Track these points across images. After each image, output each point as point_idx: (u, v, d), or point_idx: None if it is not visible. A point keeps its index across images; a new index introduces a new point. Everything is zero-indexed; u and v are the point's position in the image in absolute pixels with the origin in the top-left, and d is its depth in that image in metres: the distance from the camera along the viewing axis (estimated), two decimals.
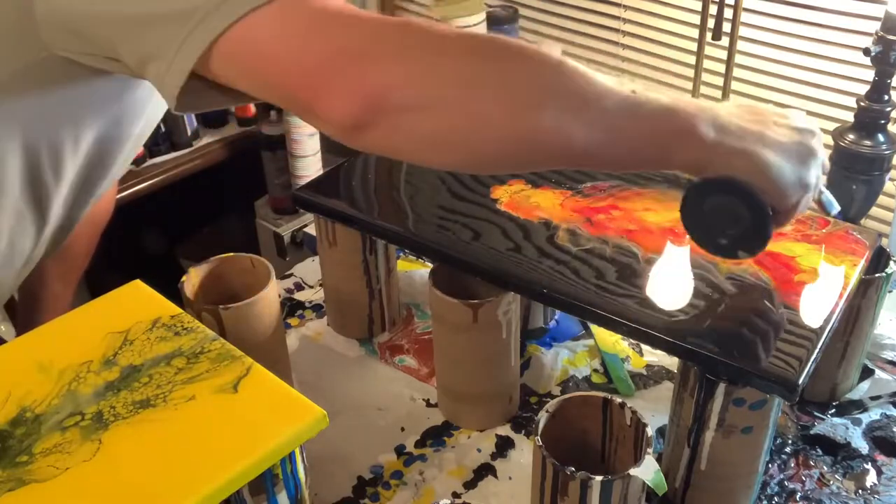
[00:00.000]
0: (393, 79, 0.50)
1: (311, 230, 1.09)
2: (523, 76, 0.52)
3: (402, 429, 0.80)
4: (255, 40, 0.52)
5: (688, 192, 0.61)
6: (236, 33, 0.51)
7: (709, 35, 1.16)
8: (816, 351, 0.61)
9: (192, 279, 0.75)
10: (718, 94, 1.20)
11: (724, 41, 1.15)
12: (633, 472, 0.57)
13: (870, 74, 0.97)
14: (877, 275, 0.74)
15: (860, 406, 0.81)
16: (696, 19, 1.20)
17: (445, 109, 0.51)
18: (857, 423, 0.79)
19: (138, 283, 0.70)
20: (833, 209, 0.68)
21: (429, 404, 0.83)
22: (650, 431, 0.60)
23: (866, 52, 0.95)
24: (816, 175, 0.61)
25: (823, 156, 0.62)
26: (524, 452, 0.77)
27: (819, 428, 0.78)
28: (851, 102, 1.06)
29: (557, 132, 0.53)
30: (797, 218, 0.63)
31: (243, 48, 0.52)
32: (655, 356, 0.87)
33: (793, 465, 0.75)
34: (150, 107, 0.73)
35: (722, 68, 1.18)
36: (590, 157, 0.55)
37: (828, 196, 0.68)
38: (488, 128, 0.52)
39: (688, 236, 0.64)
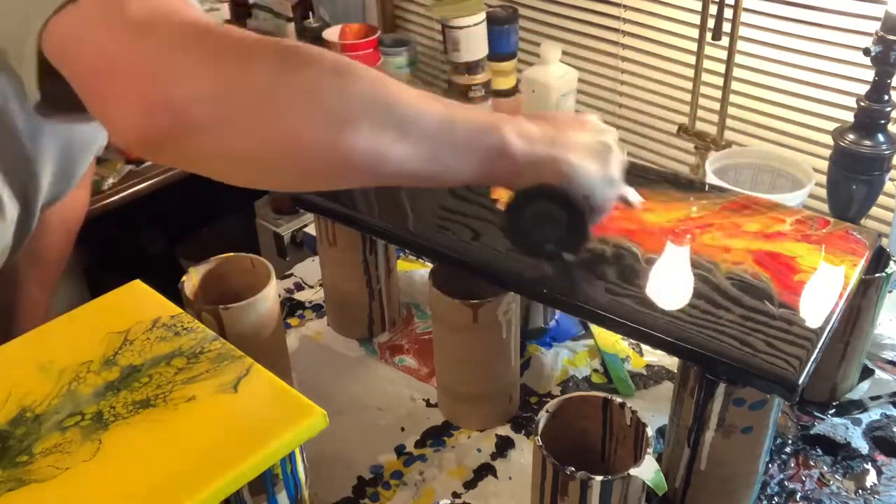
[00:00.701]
0: (188, 91, 0.47)
1: (311, 230, 1.09)
2: (335, 91, 0.50)
3: (402, 429, 0.80)
4: (64, 34, 0.49)
5: (508, 207, 0.64)
6: (54, 24, 0.49)
7: (709, 35, 1.16)
8: (816, 351, 0.61)
9: (192, 279, 0.75)
10: (718, 94, 1.20)
11: (724, 41, 1.15)
12: (633, 472, 0.57)
13: (870, 74, 0.97)
14: (877, 275, 0.74)
15: (860, 406, 0.81)
16: (696, 19, 1.20)
17: (247, 126, 0.48)
18: (857, 423, 0.79)
19: (138, 283, 0.70)
20: (633, 199, 0.71)
21: (429, 404, 0.83)
22: (650, 431, 0.60)
23: (866, 52, 0.95)
24: (615, 161, 0.65)
25: (620, 152, 0.66)
26: (524, 452, 0.77)
27: (819, 428, 0.79)
28: (851, 102, 1.06)
29: (372, 152, 0.52)
30: (777, 216, 0.63)
31: (56, 40, 0.50)
32: (655, 356, 0.87)
33: (793, 465, 0.75)
34: None
35: (722, 68, 1.18)
36: (405, 177, 0.55)
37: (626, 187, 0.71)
38: (296, 147, 0.50)
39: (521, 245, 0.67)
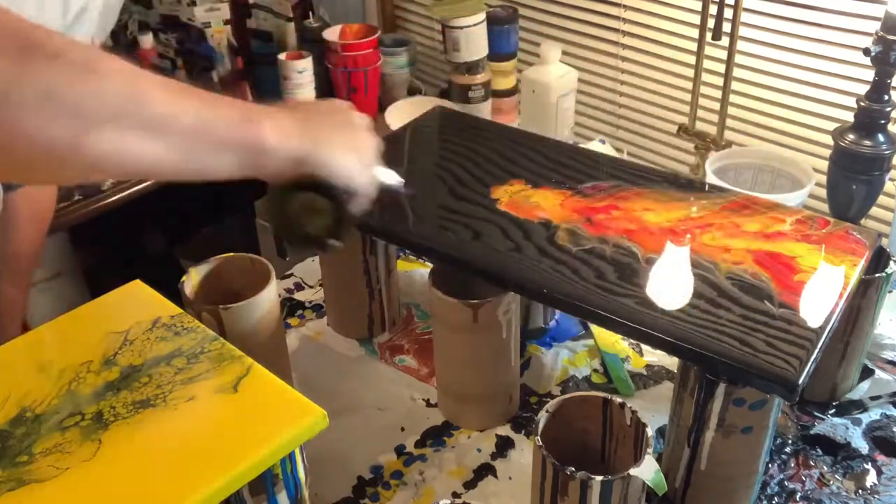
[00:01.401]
0: None
1: None
2: (79, 91, 0.47)
3: (402, 429, 0.80)
4: None
5: (268, 199, 0.64)
6: None
7: (709, 35, 1.16)
8: (816, 351, 0.61)
9: (192, 279, 0.75)
10: (718, 94, 1.20)
11: (724, 41, 1.15)
12: (633, 472, 0.57)
13: (870, 74, 0.97)
14: (877, 275, 0.74)
15: (860, 406, 0.81)
16: (696, 19, 1.20)
17: None
18: (857, 423, 0.79)
19: (138, 283, 0.70)
20: (391, 180, 0.71)
21: (429, 404, 0.83)
22: (650, 431, 0.60)
23: (866, 52, 0.95)
24: (369, 146, 0.66)
25: (373, 137, 0.66)
26: (524, 452, 0.77)
27: (819, 428, 0.78)
28: (851, 102, 1.06)
29: (118, 154, 0.50)
30: (777, 216, 0.63)
31: None
32: (655, 356, 0.87)
33: (793, 465, 0.75)
34: None
35: (722, 68, 1.18)
36: (160, 175, 0.55)
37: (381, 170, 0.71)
38: (31, 147, 0.48)
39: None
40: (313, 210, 0.64)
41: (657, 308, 0.66)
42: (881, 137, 0.98)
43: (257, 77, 1.69)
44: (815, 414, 0.80)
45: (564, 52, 1.37)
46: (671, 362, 0.86)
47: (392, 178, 0.71)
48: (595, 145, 1.30)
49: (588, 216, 0.77)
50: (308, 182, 0.62)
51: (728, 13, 1.13)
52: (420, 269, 1.01)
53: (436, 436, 0.79)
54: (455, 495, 0.73)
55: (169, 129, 0.52)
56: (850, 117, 1.01)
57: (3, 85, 0.45)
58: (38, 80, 0.46)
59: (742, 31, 1.18)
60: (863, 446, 0.76)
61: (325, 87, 1.55)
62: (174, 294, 0.71)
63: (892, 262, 0.76)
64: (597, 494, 0.58)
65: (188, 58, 1.67)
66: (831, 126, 1.06)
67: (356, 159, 0.64)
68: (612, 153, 1.25)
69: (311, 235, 0.66)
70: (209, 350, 0.62)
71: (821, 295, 0.66)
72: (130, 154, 0.51)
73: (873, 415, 0.80)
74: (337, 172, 0.62)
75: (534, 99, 1.32)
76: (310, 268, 1.03)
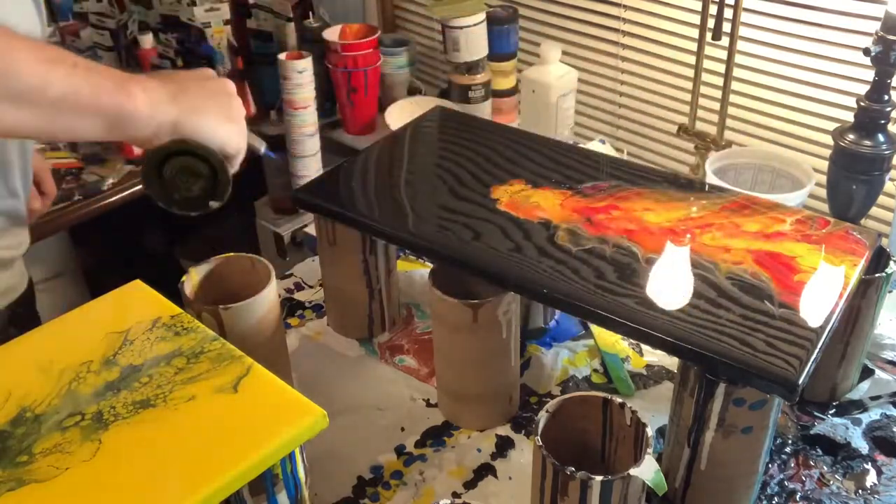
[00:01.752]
0: None
1: (311, 230, 1.09)
2: None
3: (402, 429, 0.80)
4: None
5: (143, 164, 0.67)
6: None
7: (709, 35, 1.16)
8: (816, 351, 0.61)
9: (192, 279, 0.75)
10: (718, 94, 1.20)
11: (724, 41, 1.15)
12: (633, 472, 0.57)
13: (870, 74, 0.97)
14: (877, 275, 0.74)
15: (860, 406, 0.81)
16: (696, 19, 1.20)
17: None
18: (857, 423, 0.79)
19: (138, 283, 0.70)
20: (259, 146, 0.76)
21: (429, 404, 0.83)
22: (650, 431, 0.60)
23: (866, 52, 0.95)
24: (239, 111, 0.69)
25: (239, 100, 0.70)
26: (524, 452, 0.77)
27: (819, 428, 0.79)
28: (851, 102, 1.06)
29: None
30: (777, 216, 0.63)
31: None
32: (655, 356, 0.87)
33: (793, 465, 0.75)
34: None
35: (722, 68, 1.18)
36: (23, 135, 0.59)
37: (253, 136, 0.75)
38: None
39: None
40: (190, 173, 0.67)
41: (657, 308, 0.66)
42: (881, 137, 0.98)
43: (257, 77, 1.69)
44: (815, 414, 0.80)
45: (564, 52, 1.37)
46: (671, 362, 0.86)
47: (260, 143, 0.77)
48: (595, 145, 1.30)
49: (588, 216, 0.77)
50: (182, 147, 0.65)
51: (728, 13, 1.13)
52: (420, 269, 1.01)
53: (436, 436, 0.79)
54: (455, 495, 0.73)
55: (35, 99, 0.55)
56: (850, 117, 1.01)
57: None
58: None
59: (742, 31, 1.18)
60: (863, 446, 0.76)
61: (326, 87, 1.56)
62: (174, 294, 0.71)
63: (892, 262, 0.76)
64: (597, 494, 0.58)
65: (188, 58, 1.67)
66: (831, 126, 1.06)
67: (228, 123, 0.67)
68: (612, 153, 1.25)
69: (191, 198, 0.69)
70: (209, 350, 0.62)
71: (821, 295, 0.66)
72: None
73: (873, 415, 0.80)
74: (210, 136, 0.66)
75: (534, 99, 1.32)
76: (310, 268, 1.03)
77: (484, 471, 0.75)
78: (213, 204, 0.70)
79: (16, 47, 0.54)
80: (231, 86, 0.70)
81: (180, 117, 0.64)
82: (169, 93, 0.64)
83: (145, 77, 0.64)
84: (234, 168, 0.70)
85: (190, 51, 1.66)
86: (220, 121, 0.67)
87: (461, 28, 1.32)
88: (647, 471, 0.58)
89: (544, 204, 0.79)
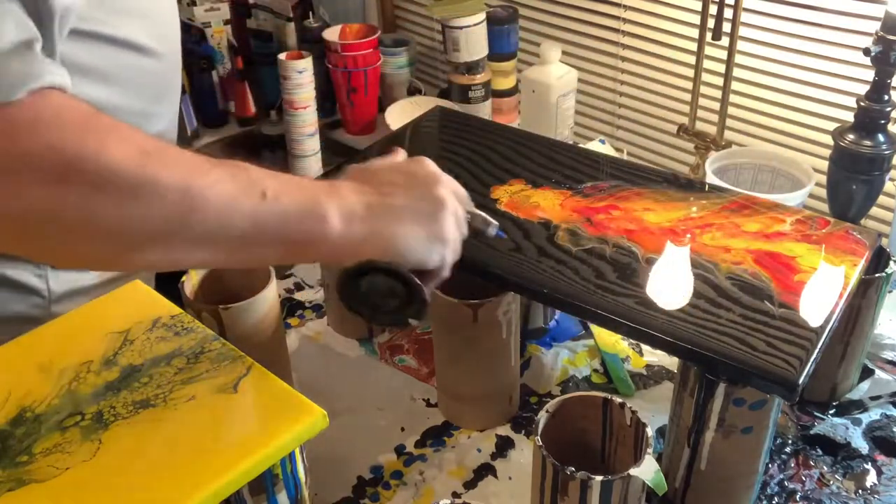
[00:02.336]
0: None
1: None
2: (121, 219, 0.47)
3: (402, 429, 0.80)
4: None
5: (338, 282, 0.60)
6: None
7: (709, 35, 1.16)
8: (816, 351, 0.61)
9: (192, 279, 0.75)
10: (718, 94, 1.20)
11: (724, 41, 1.15)
12: (633, 472, 0.57)
13: (870, 74, 0.97)
14: (877, 275, 0.74)
15: (860, 406, 0.81)
16: (696, 19, 1.20)
17: (33, 242, 0.48)
18: (857, 423, 0.79)
19: (138, 283, 0.70)
20: (492, 229, 0.67)
21: (429, 404, 0.83)
22: (650, 431, 0.60)
23: (866, 52, 0.95)
24: (455, 221, 0.61)
25: (457, 192, 0.62)
26: (524, 452, 0.77)
27: (819, 428, 0.78)
28: (851, 102, 1.06)
29: (164, 263, 0.51)
30: (777, 216, 0.63)
31: None
32: (655, 356, 0.87)
33: (793, 465, 0.75)
34: None
35: (722, 68, 1.18)
36: (199, 268, 0.55)
37: (482, 218, 0.67)
38: (78, 261, 0.50)
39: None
40: (383, 293, 0.60)
41: (657, 308, 0.66)
42: (881, 137, 0.98)
43: (257, 77, 1.69)
44: (815, 414, 0.80)
45: (564, 52, 1.37)
46: (671, 362, 0.86)
47: (488, 225, 0.67)
48: (595, 145, 1.30)
49: (588, 216, 0.77)
50: (372, 267, 0.58)
51: (728, 13, 1.13)
52: None
53: (436, 436, 0.79)
54: (455, 495, 0.73)
55: (218, 240, 0.51)
56: (850, 117, 1.01)
57: (44, 215, 0.45)
58: (77, 208, 0.45)
59: (742, 31, 1.18)
60: (863, 446, 0.76)
61: (325, 87, 1.56)
62: (174, 294, 0.71)
63: (892, 262, 0.76)
64: (597, 494, 0.58)
65: (188, 58, 1.67)
66: (831, 126, 1.06)
67: (429, 243, 0.59)
68: (612, 153, 1.25)
69: (389, 314, 0.62)
70: (209, 350, 0.62)
71: (821, 295, 0.66)
72: (178, 259, 0.51)
73: (873, 415, 0.80)
74: (402, 253, 0.58)
75: (534, 99, 1.32)
76: (310, 268, 1.03)
77: (484, 471, 0.75)
78: (413, 322, 0.63)
79: (195, 188, 0.49)
80: (442, 189, 0.60)
81: (373, 236, 0.56)
82: (366, 204, 0.57)
83: (344, 184, 0.58)
84: (434, 285, 0.61)
85: (190, 51, 1.66)
86: (420, 240, 0.58)
87: (461, 28, 1.32)
88: (647, 471, 0.58)
89: (544, 204, 0.79)
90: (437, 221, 0.59)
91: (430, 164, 0.62)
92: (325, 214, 0.54)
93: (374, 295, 0.60)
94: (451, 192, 0.61)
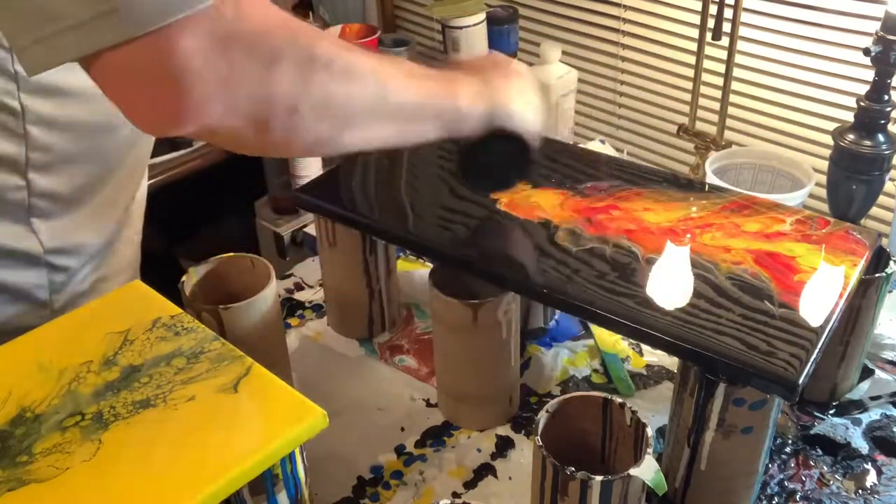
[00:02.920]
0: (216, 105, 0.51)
1: (311, 230, 1.09)
2: (342, 99, 0.54)
3: (402, 429, 0.80)
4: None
5: (459, 155, 0.75)
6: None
7: (709, 35, 1.16)
8: (816, 351, 0.61)
9: (192, 279, 0.75)
10: (718, 94, 1.20)
11: (724, 41, 1.15)
12: (633, 472, 0.57)
13: (870, 74, 0.97)
14: (877, 275, 0.74)
15: (860, 406, 0.81)
16: (696, 19, 1.20)
17: (265, 129, 0.52)
18: (857, 423, 0.79)
19: (138, 283, 0.70)
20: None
21: (429, 404, 0.83)
22: (650, 431, 0.60)
23: (866, 52, 0.95)
24: (534, 91, 0.74)
25: (533, 84, 0.74)
26: (524, 452, 0.77)
27: (819, 428, 0.79)
28: (851, 102, 1.06)
29: (363, 141, 0.59)
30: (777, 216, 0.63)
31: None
32: (655, 356, 0.87)
33: (793, 465, 0.75)
34: None
35: (722, 68, 1.18)
36: (378, 147, 0.62)
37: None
38: (298, 145, 0.55)
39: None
40: (503, 157, 0.73)
41: (657, 308, 0.66)
42: (881, 137, 0.98)
43: None
44: (815, 414, 0.80)
45: (564, 52, 1.37)
46: (671, 362, 0.86)
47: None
48: (595, 145, 1.30)
49: (588, 216, 0.77)
50: (494, 135, 0.69)
51: (728, 13, 1.13)
52: (420, 269, 1.01)
53: (436, 436, 0.79)
54: (455, 495, 0.73)
55: (399, 115, 0.61)
56: (850, 117, 1.01)
57: (292, 99, 0.51)
58: (317, 92, 0.52)
59: (742, 31, 1.18)
60: (863, 446, 0.76)
61: None
62: (174, 294, 0.71)
63: (892, 262, 0.76)
64: (597, 494, 0.58)
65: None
66: (831, 126, 1.06)
67: (529, 106, 0.72)
68: (612, 153, 1.25)
69: (503, 180, 0.78)
70: (209, 350, 0.62)
71: (821, 295, 0.66)
72: (369, 139, 0.59)
73: (873, 415, 0.80)
74: (518, 121, 0.70)
75: None
76: (310, 268, 1.03)
77: (484, 471, 0.75)
78: (516, 181, 0.80)
79: (382, 70, 0.58)
80: (522, 67, 0.74)
81: (493, 108, 0.68)
82: (480, 87, 0.68)
83: (457, 74, 0.68)
84: (536, 144, 0.74)
85: None
86: (523, 105, 0.71)
87: (461, 28, 1.32)
88: (647, 471, 0.58)
89: (544, 204, 0.79)
90: (527, 91, 0.73)
91: (500, 55, 0.77)
92: (458, 92, 0.66)
93: (492, 163, 0.74)
94: (525, 70, 0.75)
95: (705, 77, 1.24)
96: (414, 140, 0.64)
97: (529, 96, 0.73)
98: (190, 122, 0.48)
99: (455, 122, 0.66)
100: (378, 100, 0.58)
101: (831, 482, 0.73)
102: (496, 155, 0.72)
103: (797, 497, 0.72)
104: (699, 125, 1.26)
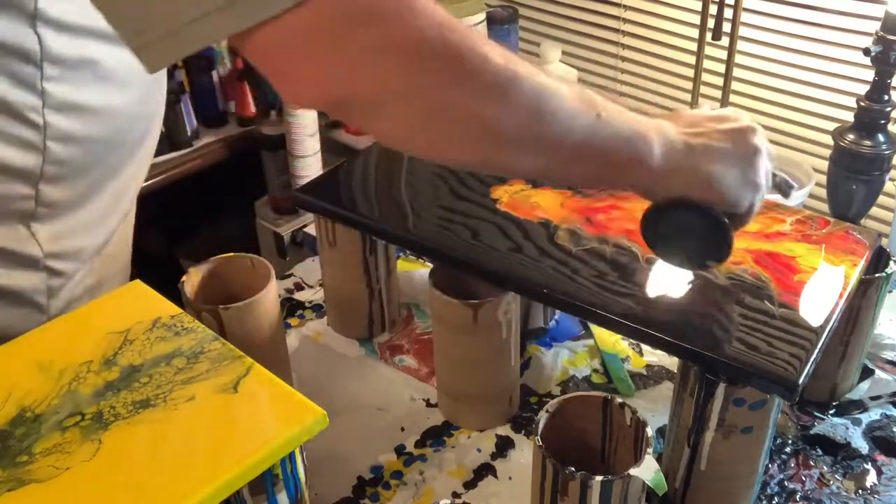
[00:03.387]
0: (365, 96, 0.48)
1: (311, 230, 1.09)
2: (491, 116, 0.49)
3: (402, 429, 0.80)
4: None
5: (645, 217, 0.62)
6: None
7: (709, 35, 1.16)
8: (816, 351, 0.61)
9: (192, 279, 0.75)
10: (718, 94, 1.20)
11: (724, 41, 1.15)
12: (633, 472, 0.57)
13: (870, 74, 0.97)
14: (877, 275, 0.74)
15: (860, 406, 0.81)
16: (696, 19, 1.20)
17: (414, 132, 0.49)
18: (857, 423, 0.79)
19: (138, 283, 0.70)
20: (791, 189, 0.68)
21: (429, 404, 0.83)
22: (650, 431, 0.60)
23: (866, 52, 0.95)
24: (766, 170, 0.62)
25: (767, 146, 0.63)
26: (524, 452, 0.77)
27: (819, 428, 0.79)
28: (851, 102, 1.06)
29: (510, 167, 0.54)
30: (777, 216, 0.63)
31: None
32: (655, 356, 0.87)
33: (793, 465, 0.75)
34: None
35: (722, 68, 1.18)
36: (528, 178, 0.56)
37: (784, 180, 0.68)
38: (459, 157, 0.52)
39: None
40: (691, 231, 0.61)
41: (657, 308, 0.66)
42: (881, 137, 0.99)
43: (257, 77, 1.69)
44: (815, 414, 0.80)
45: (564, 52, 1.37)
46: (671, 362, 0.86)
47: (789, 185, 0.68)
48: None
49: (588, 216, 0.77)
50: (684, 203, 0.59)
51: (728, 13, 1.13)
52: (420, 269, 1.01)
53: (436, 436, 0.79)
54: (455, 495, 0.73)
55: (556, 148, 0.53)
56: (850, 117, 1.01)
57: (442, 112, 0.47)
58: (460, 104, 0.47)
59: (742, 30, 1.18)
60: (863, 446, 0.76)
61: None
62: (174, 294, 0.71)
63: (892, 262, 0.76)
64: (597, 494, 0.58)
65: (189, 58, 1.67)
66: (831, 126, 1.06)
67: (743, 181, 0.60)
68: None
69: (688, 255, 0.64)
70: (209, 350, 0.62)
71: (821, 295, 0.66)
72: (515, 168, 0.54)
73: (873, 415, 0.80)
74: (718, 193, 0.59)
75: None
76: (310, 268, 1.03)
77: (484, 471, 0.75)
78: (711, 264, 0.65)
79: (543, 94, 0.50)
80: (758, 138, 0.61)
81: (691, 170, 0.58)
82: (686, 141, 0.58)
83: (665, 122, 0.59)
84: (742, 228, 0.63)
85: None
86: (736, 181, 0.59)
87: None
88: (647, 471, 0.58)
89: (544, 204, 0.79)
90: (752, 166, 0.60)
91: (745, 115, 0.63)
92: (649, 142, 0.55)
93: (679, 233, 0.61)
94: (765, 143, 0.62)
95: (705, 77, 1.24)
96: (561, 179, 0.59)
97: (748, 167, 0.60)
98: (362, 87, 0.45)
99: (624, 172, 0.56)
100: (529, 128, 0.51)
101: (831, 482, 0.73)
102: (683, 225, 0.60)
103: (797, 497, 0.72)
104: None
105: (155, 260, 1.78)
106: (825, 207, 1.09)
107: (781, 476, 0.74)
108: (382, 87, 0.46)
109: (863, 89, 0.99)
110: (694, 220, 0.60)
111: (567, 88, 0.52)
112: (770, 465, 0.74)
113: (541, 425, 0.61)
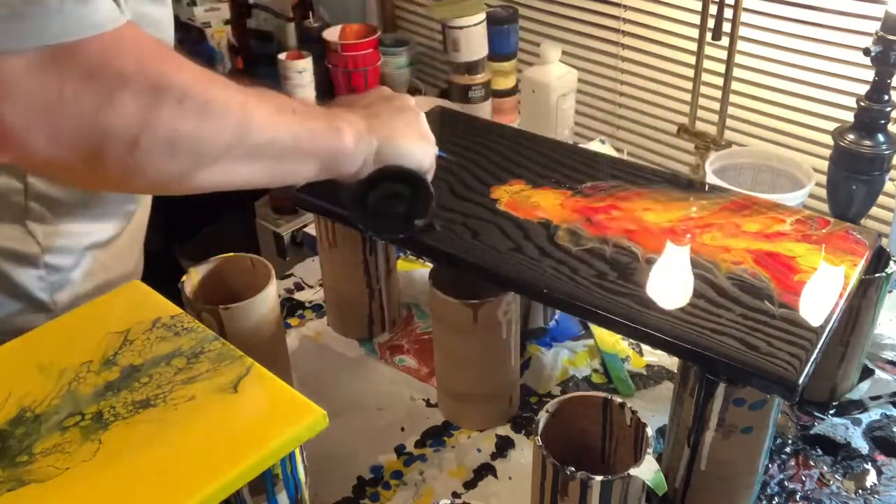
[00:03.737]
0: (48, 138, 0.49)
1: (311, 230, 1.09)
2: (192, 137, 0.51)
3: (402, 429, 0.80)
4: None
5: (350, 198, 0.68)
6: None
7: (709, 35, 1.16)
8: (816, 351, 0.61)
9: (192, 279, 0.75)
10: (718, 94, 1.20)
11: (724, 41, 1.15)
12: (633, 472, 0.57)
13: (870, 74, 0.97)
14: (877, 275, 0.74)
15: (860, 406, 0.81)
16: (696, 19, 1.20)
17: (104, 160, 0.49)
18: (857, 423, 0.79)
19: (138, 283, 0.70)
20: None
21: (429, 404, 0.83)
22: (650, 431, 0.60)
23: (866, 52, 0.95)
24: (423, 125, 0.71)
25: (421, 111, 0.72)
26: (524, 452, 0.77)
27: (819, 428, 0.79)
28: (851, 102, 1.06)
29: (222, 181, 0.55)
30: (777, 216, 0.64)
31: None
32: (655, 356, 0.87)
33: (793, 465, 0.75)
34: None
35: (722, 68, 1.18)
36: (248, 187, 0.58)
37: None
38: (145, 183, 0.53)
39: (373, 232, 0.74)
40: (395, 198, 0.69)
41: (657, 308, 0.66)
42: (881, 137, 0.98)
43: (257, 77, 1.69)
44: (815, 414, 0.80)
45: (564, 52, 1.37)
46: (671, 362, 0.86)
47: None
48: (595, 145, 1.30)
49: (588, 216, 0.77)
50: (381, 173, 0.66)
51: (728, 13, 1.13)
52: (420, 269, 1.01)
53: (436, 436, 0.79)
54: (455, 495, 0.73)
55: (268, 153, 0.57)
56: (850, 117, 1.01)
57: (133, 133, 0.48)
58: (164, 128, 0.49)
59: (742, 31, 1.18)
60: (863, 446, 0.76)
61: (326, 87, 1.56)
62: (174, 294, 0.71)
63: (892, 262, 0.76)
64: (597, 494, 0.58)
65: (188, 58, 1.67)
66: (831, 126, 1.06)
67: (420, 141, 0.69)
68: (612, 153, 1.25)
69: (396, 221, 0.71)
70: (209, 350, 0.62)
71: (821, 295, 0.66)
72: (231, 178, 0.56)
73: (873, 415, 0.80)
74: (409, 158, 0.67)
75: (534, 99, 1.32)
76: (310, 268, 1.03)
77: (484, 471, 0.75)
78: (419, 222, 0.72)
79: (247, 105, 0.54)
80: (411, 101, 0.72)
81: (381, 146, 0.65)
82: (366, 123, 0.65)
83: (343, 110, 0.65)
84: (429, 181, 0.71)
85: (190, 51, 1.66)
86: (414, 140, 0.69)
87: (461, 28, 1.32)
88: (647, 471, 0.58)
89: (544, 204, 0.79)
90: (419, 125, 0.70)
91: (388, 89, 0.74)
92: (341, 129, 0.62)
93: (387, 203, 0.69)
94: (414, 101, 0.72)
95: (705, 77, 1.24)
96: (289, 180, 0.61)
97: (419, 129, 0.70)
98: (5, 150, 0.46)
99: (336, 161, 0.63)
100: (239, 138, 0.54)
101: (831, 482, 0.73)
102: (385, 197, 0.68)
103: (797, 497, 0.72)
104: (699, 125, 1.26)
105: (155, 260, 1.78)
106: (825, 207, 1.09)
107: (781, 476, 0.74)
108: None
109: (863, 89, 0.99)
110: (397, 186, 0.68)
111: (260, 94, 0.56)
112: (770, 465, 0.74)
113: (541, 425, 0.61)
